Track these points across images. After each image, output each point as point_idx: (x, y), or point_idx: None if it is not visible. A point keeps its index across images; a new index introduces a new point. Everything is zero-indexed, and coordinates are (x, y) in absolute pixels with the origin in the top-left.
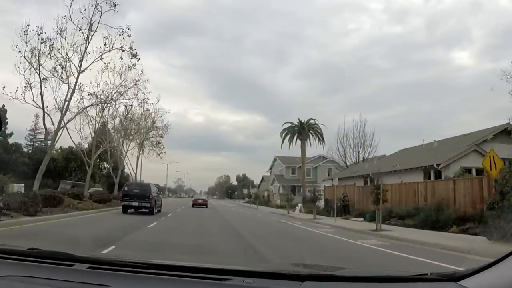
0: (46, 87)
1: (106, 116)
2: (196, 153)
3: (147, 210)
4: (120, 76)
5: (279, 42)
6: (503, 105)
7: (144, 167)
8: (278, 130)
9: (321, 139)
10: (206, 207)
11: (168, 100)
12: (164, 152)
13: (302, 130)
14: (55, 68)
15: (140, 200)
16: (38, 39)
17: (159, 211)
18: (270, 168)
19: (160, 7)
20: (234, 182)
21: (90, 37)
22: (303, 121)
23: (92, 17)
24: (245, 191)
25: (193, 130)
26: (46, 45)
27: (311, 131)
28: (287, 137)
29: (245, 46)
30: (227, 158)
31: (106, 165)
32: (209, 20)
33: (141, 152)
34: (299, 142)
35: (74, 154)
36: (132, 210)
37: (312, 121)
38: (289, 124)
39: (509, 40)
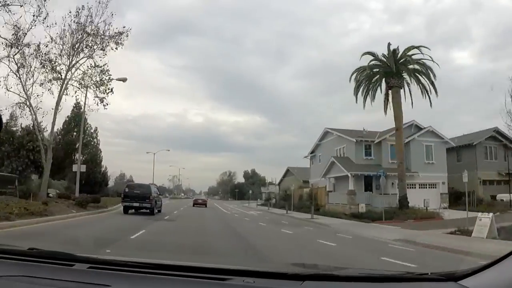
0: None
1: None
2: (196, 153)
3: (148, 211)
4: None
5: (279, 42)
6: (503, 104)
7: (138, 167)
8: (278, 130)
9: (430, 87)
10: (206, 206)
11: (168, 101)
12: (111, 91)
13: (400, 67)
14: None
15: (141, 201)
16: None
17: (159, 211)
18: (312, 152)
19: (160, 7)
20: (240, 180)
21: None
22: (397, 52)
23: None
24: (272, 188)
25: (193, 130)
26: None
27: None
28: (363, 85)
29: (244, 46)
30: (228, 158)
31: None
32: (208, 20)
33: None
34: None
35: (8, 133)
36: (133, 210)
37: (414, 52)
38: (371, 58)
39: (509, 39)
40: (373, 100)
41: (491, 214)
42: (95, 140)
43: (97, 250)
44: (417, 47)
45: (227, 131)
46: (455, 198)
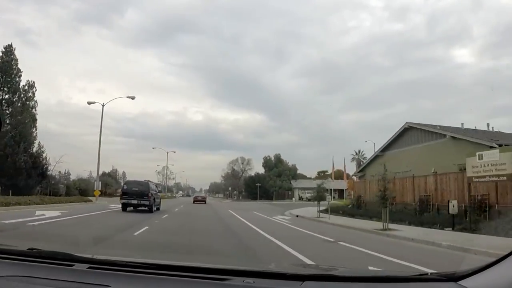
0: None
1: None
2: (195, 152)
3: (146, 208)
4: None
5: (278, 41)
6: (503, 103)
7: (137, 165)
8: (278, 129)
9: None
10: (205, 203)
11: (168, 99)
12: None
13: None
14: None
15: (139, 198)
16: None
17: (157, 209)
18: None
19: (159, 5)
20: (258, 169)
21: None
22: None
23: None
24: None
25: (192, 129)
26: None
27: None
28: None
29: (244, 45)
30: (227, 156)
31: None
32: (208, 18)
33: None
34: None
35: None
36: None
37: None
38: None
39: (510, 37)
40: None
41: None
42: (29, 103)
43: None
44: None
45: (227, 129)
46: None
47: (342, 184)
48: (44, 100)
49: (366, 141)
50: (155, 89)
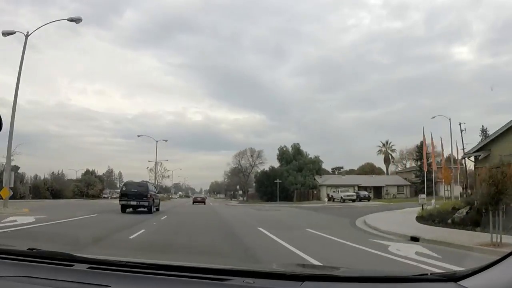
0: None
1: None
2: (195, 152)
3: (146, 209)
4: None
5: (277, 39)
6: (503, 100)
7: (136, 165)
8: (277, 128)
9: None
10: (204, 204)
11: (167, 99)
12: None
13: None
14: None
15: (139, 199)
16: None
17: (157, 209)
18: None
19: (156, 5)
20: (272, 162)
21: None
22: None
23: None
24: None
25: (192, 129)
26: None
27: None
28: None
29: (243, 44)
30: (228, 157)
31: None
32: (205, 17)
33: None
34: None
35: None
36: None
37: None
38: None
39: (509, 34)
40: None
41: None
42: None
43: None
44: None
45: (227, 129)
46: None
47: (378, 180)
48: (44, 102)
49: (433, 117)
50: (154, 89)
